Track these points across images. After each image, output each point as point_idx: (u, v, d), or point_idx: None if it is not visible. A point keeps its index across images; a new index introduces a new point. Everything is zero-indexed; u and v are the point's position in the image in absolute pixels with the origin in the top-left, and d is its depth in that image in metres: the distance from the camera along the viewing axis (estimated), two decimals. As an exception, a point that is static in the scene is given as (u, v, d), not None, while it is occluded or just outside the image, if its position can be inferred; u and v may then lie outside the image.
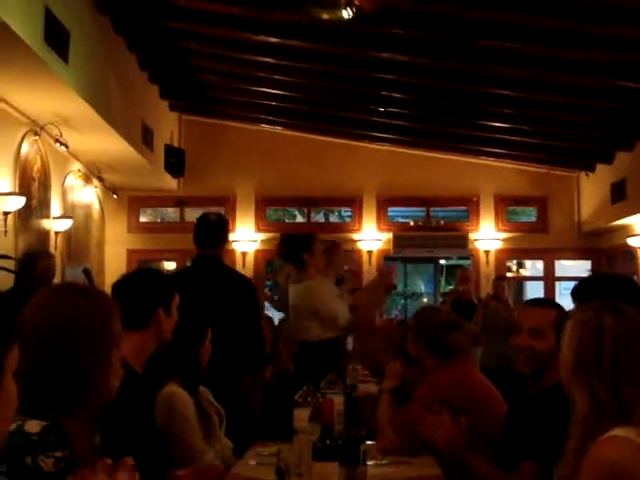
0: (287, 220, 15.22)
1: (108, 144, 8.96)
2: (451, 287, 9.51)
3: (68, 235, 9.64)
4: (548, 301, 3.26)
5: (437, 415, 3.30)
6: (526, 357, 2.94)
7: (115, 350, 1.99)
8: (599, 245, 12.33)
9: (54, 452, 1.70)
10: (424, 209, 12.78)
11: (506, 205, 12.59)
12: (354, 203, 12.52)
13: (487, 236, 12.36)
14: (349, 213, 13.13)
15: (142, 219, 12.72)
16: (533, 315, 3.03)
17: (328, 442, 2.66)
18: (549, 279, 12.73)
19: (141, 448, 2.41)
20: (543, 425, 2.72)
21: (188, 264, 6.14)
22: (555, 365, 2.32)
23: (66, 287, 2.11)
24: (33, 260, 6.53)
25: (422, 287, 18.16)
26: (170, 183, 11.78)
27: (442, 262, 15.94)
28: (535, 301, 3.43)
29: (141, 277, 3.06)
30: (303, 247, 5.22)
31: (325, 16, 7.34)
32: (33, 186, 8.43)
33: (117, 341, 2.00)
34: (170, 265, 12.78)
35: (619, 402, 1.94)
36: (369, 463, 2.97)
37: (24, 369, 1.76)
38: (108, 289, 2.93)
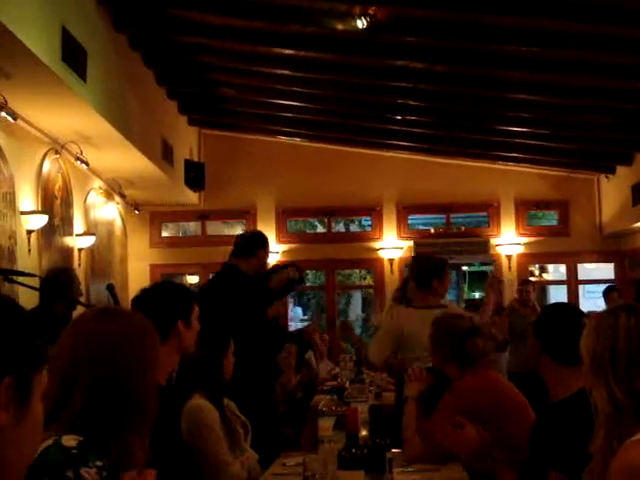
0: (308, 231, 15.25)
1: (128, 161, 9.01)
2: (474, 294, 9.43)
3: (91, 252, 9.70)
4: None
5: (458, 428, 3.30)
6: None
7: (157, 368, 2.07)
8: (621, 247, 12.22)
9: (95, 462, 1.73)
10: (444, 216, 12.75)
11: (527, 209, 12.54)
12: (374, 212, 12.51)
13: (508, 241, 12.29)
14: (369, 222, 13.14)
15: (164, 234, 12.75)
16: None
17: (353, 451, 2.65)
18: (572, 283, 12.62)
19: (167, 462, 2.43)
20: (568, 434, 2.68)
21: None
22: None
23: (110, 311, 2.14)
24: (73, 278, 6.41)
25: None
26: (191, 197, 11.84)
27: (464, 268, 15.89)
28: None
29: (159, 291, 3.07)
30: (434, 273, 5.11)
31: (340, 27, 7.37)
32: (55, 204, 8.49)
33: (158, 361, 2.08)
34: (193, 279, 12.83)
35: (636, 400, 1.91)
36: (395, 471, 2.97)
37: (79, 392, 1.81)
38: (132, 304, 2.96)
